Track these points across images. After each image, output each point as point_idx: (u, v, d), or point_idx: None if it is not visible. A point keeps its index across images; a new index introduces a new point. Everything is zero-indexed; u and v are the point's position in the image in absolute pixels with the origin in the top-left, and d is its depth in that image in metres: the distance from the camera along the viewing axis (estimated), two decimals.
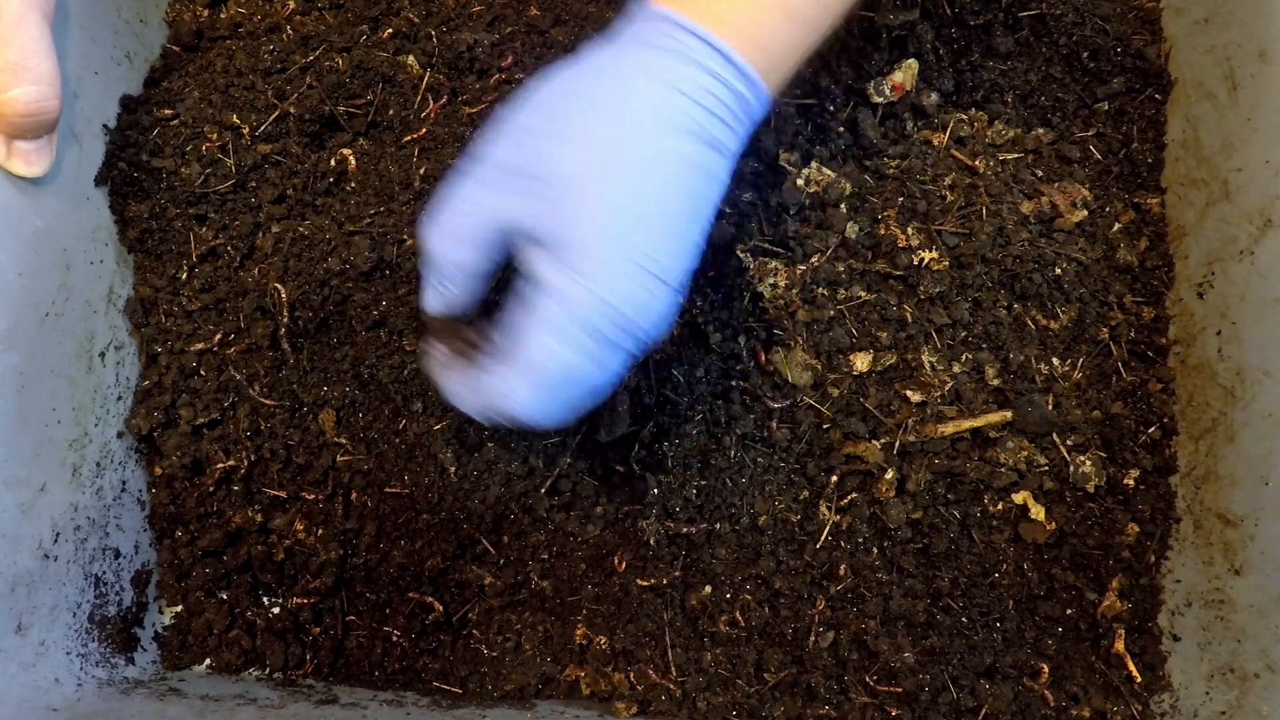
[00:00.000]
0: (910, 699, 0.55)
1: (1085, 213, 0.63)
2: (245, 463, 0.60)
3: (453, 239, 0.46)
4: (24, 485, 0.52)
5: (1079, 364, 0.61)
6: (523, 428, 0.46)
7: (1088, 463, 0.59)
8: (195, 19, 0.67)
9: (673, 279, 0.43)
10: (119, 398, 0.60)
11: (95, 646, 0.56)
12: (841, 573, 0.58)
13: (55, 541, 0.54)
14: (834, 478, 0.59)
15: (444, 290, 0.47)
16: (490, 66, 0.61)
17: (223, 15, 0.67)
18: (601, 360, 0.43)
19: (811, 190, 0.63)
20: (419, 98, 0.61)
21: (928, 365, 0.60)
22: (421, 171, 0.59)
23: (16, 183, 0.52)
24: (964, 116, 0.65)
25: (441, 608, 0.60)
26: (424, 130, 0.60)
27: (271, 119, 0.61)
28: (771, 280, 0.61)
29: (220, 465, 0.60)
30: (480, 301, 0.49)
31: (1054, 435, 0.59)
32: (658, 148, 0.42)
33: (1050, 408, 0.59)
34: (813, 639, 0.57)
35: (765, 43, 0.45)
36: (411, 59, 0.61)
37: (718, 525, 0.59)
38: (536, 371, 0.42)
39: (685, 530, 0.58)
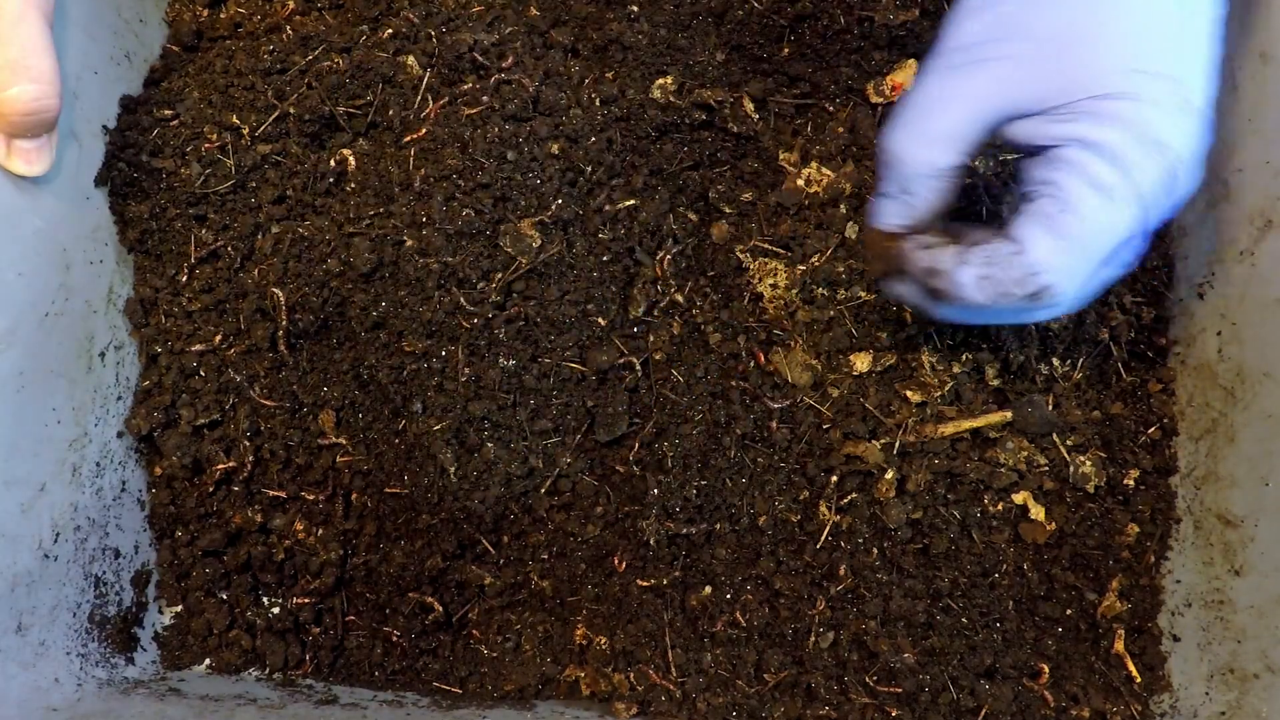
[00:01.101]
0: (910, 699, 0.55)
1: None
2: (247, 463, 0.60)
3: (928, 140, 0.44)
4: (24, 485, 0.52)
5: (1079, 364, 0.61)
6: (1027, 315, 0.45)
7: (1088, 463, 0.59)
8: (195, 19, 0.67)
9: (1202, 99, 0.41)
10: (119, 398, 0.60)
11: (95, 646, 0.56)
12: (841, 573, 0.58)
13: (55, 541, 0.54)
14: (834, 478, 0.59)
15: (912, 201, 0.45)
16: (490, 67, 0.61)
17: (222, 15, 0.67)
18: (1146, 209, 0.41)
19: (811, 190, 0.63)
20: (419, 98, 0.61)
21: (928, 365, 0.60)
22: (421, 172, 0.59)
23: (16, 182, 0.52)
24: None
25: (441, 608, 0.60)
26: (424, 130, 0.60)
27: (271, 119, 0.61)
28: (771, 280, 0.61)
29: (221, 467, 0.60)
30: (942, 212, 0.46)
31: (1054, 435, 0.59)
32: None
33: (1050, 408, 0.59)
34: (813, 639, 0.57)
35: None
36: (411, 59, 0.61)
37: (718, 525, 0.59)
38: (1078, 233, 0.40)
39: (685, 530, 0.58)
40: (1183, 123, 0.41)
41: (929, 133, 0.44)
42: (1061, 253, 0.42)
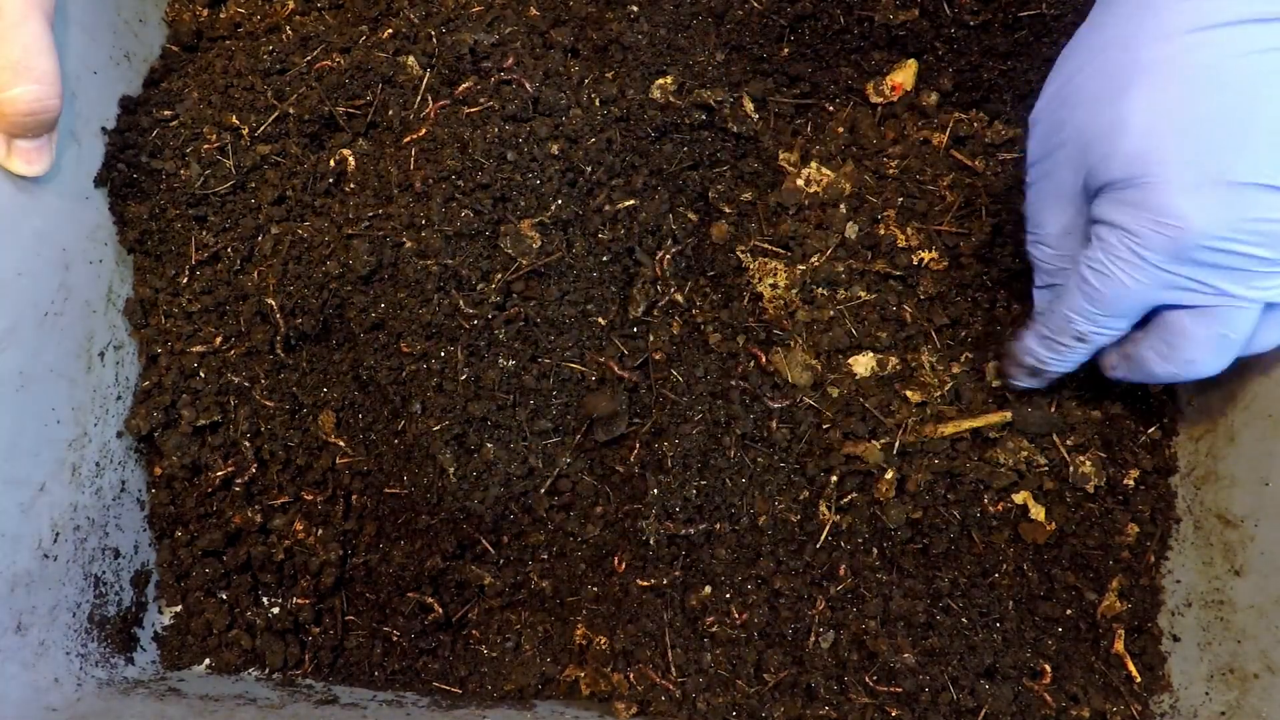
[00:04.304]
0: (910, 699, 0.55)
1: None
2: (250, 465, 0.60)
3: (1041, 228, 0.52)
4: (24, 485, 0.52)
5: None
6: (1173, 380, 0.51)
7: (1088, 463, 0.59)
8: (195, 19, 0.67)
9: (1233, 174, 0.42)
10: (119, 398, 0.60)
11: (95, 646, 0.56)
12: (841, 573, 0.58)
13: (55, 541, 0.54)
14: (834, 478, 0.59)
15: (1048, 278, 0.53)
16: (491, 67, 0.61)
17: (222, 15, 0.67)
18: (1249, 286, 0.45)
19: (811, 190, 0.63)
20: (419, 98, 0.61)
21: (928, 365, 0.60)
22: (421, 173, 0.59)
23: (16, 182, 0.52)
24: (964, 116, 0.65)
25: (441, 608, 0.60)
26: (423, 130, 0.60)
27: (271, 120, 0.61)
28: (771, 280, 0.61)
29: (220, 472, 0.60)
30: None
31: (1054, 435, 0.59)
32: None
33: (1050, 408, 0.59)
34: (813, 639, 0.57)
35: None
36: (411, 59, 0.61)
37: (718, 525, 0.59)
38: (1098, 290, 0.47)
39: (685, 531, 0.58)
40: (1198, 198, 0.42)
41: (1042, 226, 0.53)
42: (1092, 303, 0.49)
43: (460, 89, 0.61)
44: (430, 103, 0.61)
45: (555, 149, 0.59)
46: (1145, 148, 0.43)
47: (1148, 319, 0.49)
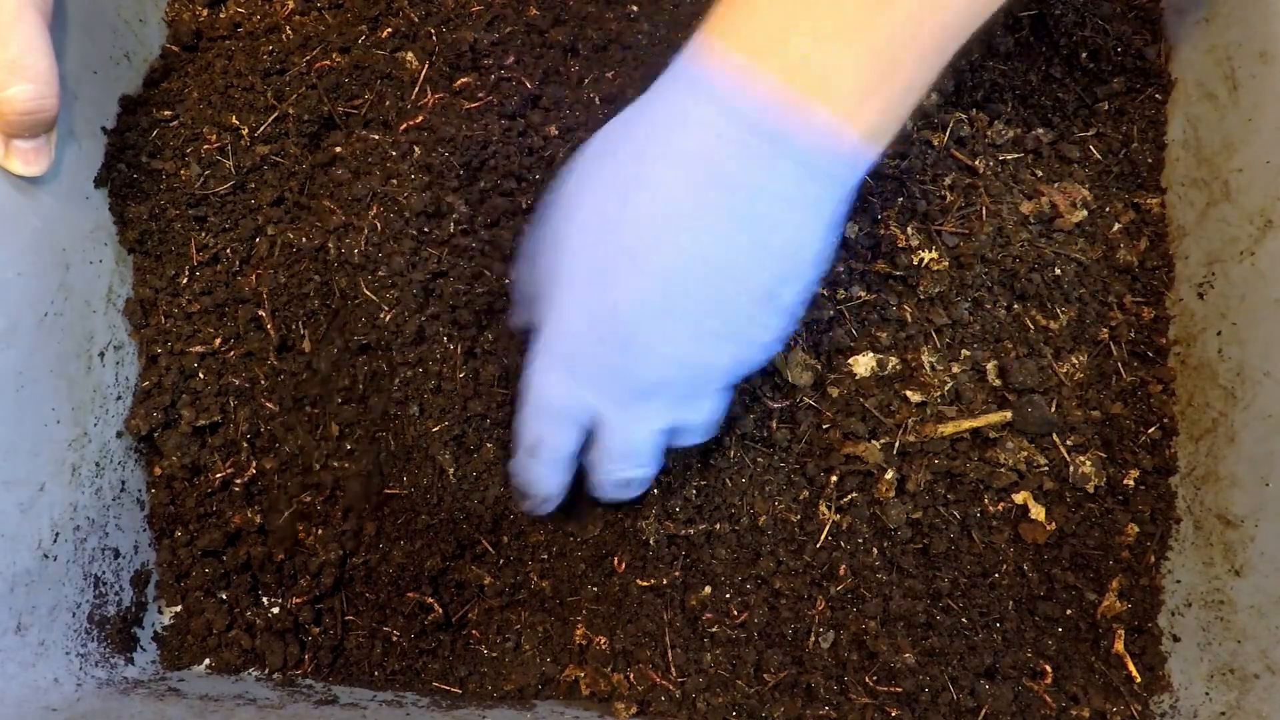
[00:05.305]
0: (910, 699, 0.55)
1: (1085, 213, 0.63)
2: (250, 465, 0.60)
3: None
4: (23, 485, 0.52)
5: (1079, 364, 0.61)
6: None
7: (1088, 463, 0.59)
8: (194, 19, 0.67)
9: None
10: (118, 398, 0.60)
11: (95, 646, 0.56)
12: (841, 573, 0.58)
13: (55, 541, 0.54)
14: (834, 478, 0.59)
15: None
16: (491, 66, 0.61)
17: (222, 15, 0.67)
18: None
19: None
20: (416, 89, 0.61)
21: (928, 365, 0.60)
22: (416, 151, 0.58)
23: (15, 182, 0.52)
24: (964, 116, 0.65)
25: (441, 608, 0.59)
26: (420, 119, 0.60)
27: (271, 120, 0.61)
28: None
29: (220, 472, 0.60)
30: None
31: (1054, 435, 0.59)
32: None
33: (1050, 408, 0.59)
34: (813, 639, 0.57)
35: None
36: (410, 55, 0.61)
37: (717, 525, 0.59)
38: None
39: (684, 531, 0.58)
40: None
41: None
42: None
43: (459, 85, 0.61)
44: (429, 93, 0.61)
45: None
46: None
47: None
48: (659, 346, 0.44)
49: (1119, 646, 0.57)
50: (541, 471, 0.53)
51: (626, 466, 0.51)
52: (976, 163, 0.63)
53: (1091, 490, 0.59)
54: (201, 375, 0.61)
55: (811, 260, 0.44)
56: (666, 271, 0.42)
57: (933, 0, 0.39)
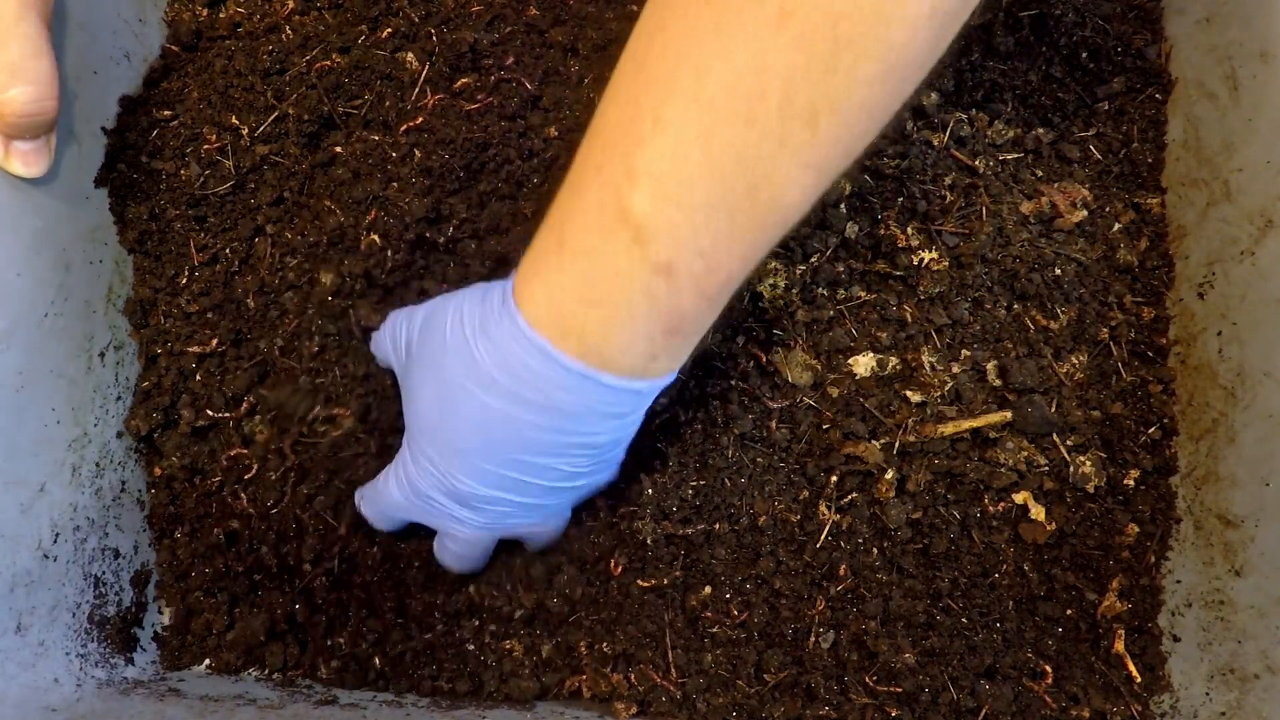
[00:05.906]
0: (910, 699, 0.55)
1: (1085, 213, 0.63)
2: (250, 466, 0.60)
3: None
4: (23, 485, 0.52)
5: (1079, 364, 0.61)
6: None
7: (1088, 463, 0.59)
8: (194, 19, 0.67)
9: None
10: (118, 398, 0.60)
11: (95, 647, 0.56)
12: (841, 573, 0.58)
13: (55, 542, 0.54)
14: (834, 478, 0.59)
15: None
16: (491, 66, 0.61)
17: (222, 15, 0.67)
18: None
19: None
20: (416, 90, 0.61)
21: (928, 365, 0.60)
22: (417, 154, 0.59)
23: (15, 183, 0.51)
24: (964, 116, 0.65)
25: (441, 609, 0.59)
26: (420, 119, 0.60)
27: (270, 120, 0.61)
28: (771, 280, 0.61)
29: (219, 474, 0.60)
30: None
31: (1054, 435, 0.59)
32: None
33: (1050, 408, 0.59)
34: (813, 639, 0.57)
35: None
36: (410, 55, 0.61)
37: (717, 525, 0.59)
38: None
39: (683, 531, 0.58)
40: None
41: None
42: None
43: (459, 85, 0.61)
44: (429, 94, 0.61)
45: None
46: None
47: None
48: (479, 491, 0.52)
49: (1119, 646, 0.57)
50: (446, 548, 0.58)
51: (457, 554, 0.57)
52: (976, 162, 0.63)
53: (1091, 490, 0.59)
54: (201, 376, 0.61)
55: (607, 444, 0.51)
56: (482, 456, 0.50)
57: (711, 263, 0.43)
